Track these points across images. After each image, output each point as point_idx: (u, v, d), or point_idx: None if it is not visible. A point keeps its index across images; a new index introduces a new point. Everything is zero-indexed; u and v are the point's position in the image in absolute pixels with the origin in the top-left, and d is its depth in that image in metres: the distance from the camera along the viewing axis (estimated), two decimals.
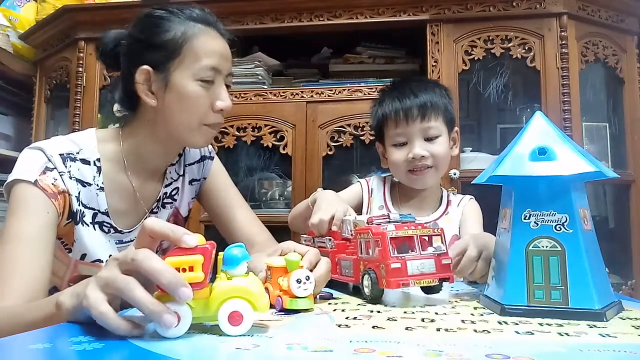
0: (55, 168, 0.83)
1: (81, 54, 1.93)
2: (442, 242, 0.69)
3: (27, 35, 2.11)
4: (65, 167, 0.84)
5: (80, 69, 1.92)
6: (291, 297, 0.61)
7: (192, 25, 0.87)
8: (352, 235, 0.76)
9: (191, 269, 0.47)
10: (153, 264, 0.46)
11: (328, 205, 0.87)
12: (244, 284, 0.48)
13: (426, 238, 0.69)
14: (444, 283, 0.68)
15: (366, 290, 0.68)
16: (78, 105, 1.91)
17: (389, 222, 0.71)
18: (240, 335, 0.47)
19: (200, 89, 0.86)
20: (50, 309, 0.58)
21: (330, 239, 0.80)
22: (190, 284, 0.46)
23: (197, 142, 0.92)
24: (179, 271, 0.47)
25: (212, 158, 1.09)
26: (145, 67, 0.86)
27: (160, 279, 0.45)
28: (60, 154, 0.84)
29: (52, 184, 0.81)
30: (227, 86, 0.92)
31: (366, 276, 0.68)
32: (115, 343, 0.44)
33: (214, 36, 0.89)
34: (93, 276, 0.50)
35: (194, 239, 0.49)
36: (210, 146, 1.11)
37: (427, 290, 0.70)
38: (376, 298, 0.67)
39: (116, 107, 1.78)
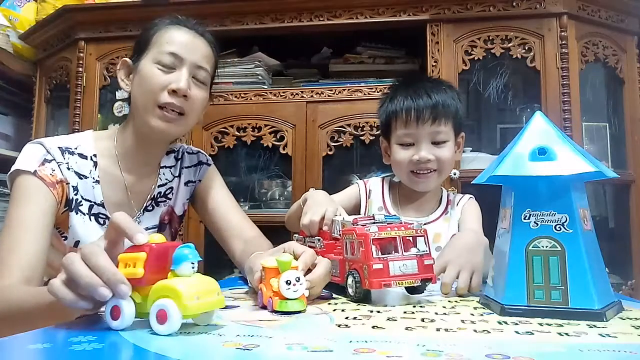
0: (53, 159, 0.89)
1: (81, 54, 1.93)
2: (425, 243, 0.70)
3: (27, 35, 2.10)
4: (64, 158, 0.90)
5: (80, 69, 1.92)
6: (281, 298, 0.60)
7: (167, 22, 0.95)
8: (340, 235, 0.77)
9: (134, 265, 0.49)
10: (96, 260, 0.49)
11: (318, 205, 0.87)
12: (174, 284, 0.49)
13: (410, 239, 0.70)
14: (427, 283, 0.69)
15: (350, 291, 0.69)
16: (78, 105, 1.91)
17: (374, 223, 0.71)
18: (241, 335, 0.47)
19: (158, 72, 0.91)
20: (48, 299, 0.58)
21: (319, 239, 0.81)
22: (131, 279, 0.49)
23: (152, 122, 0.91)
24: (126, 266, 0.50)
25: (209, 165, 1.13)
26: (125, 59, 0.98)
27: (101, 276, 0.48)
28: (59, 147, 0.91)
29: (50, 174, 0.88)
30: (199, 80, 0.95)
31: (350, 277, 0.69)
32: (115, 343, 0.44)
33: (185, 31, 0.95)
34: None
35: (145, 237, 0.51)
36: (207, 155, 1.15)
37: (410, 290, 0.71)
38: (360, 298, 0.68)
39: (116, 106, 1.82)
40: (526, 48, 1.70)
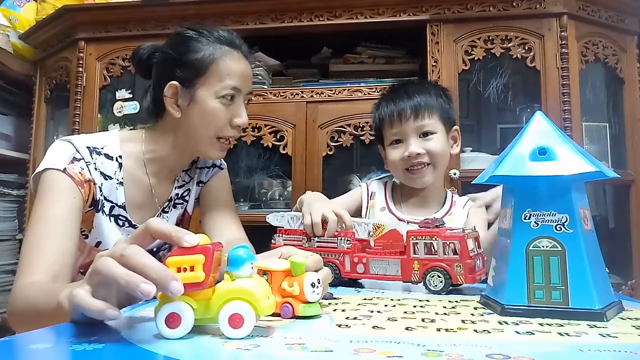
0: (82, 158, 0.90)
1: (81, 54, 1.93)
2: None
3: (27, 35, 2.10)
4: (92, 158, 0.91)
5: (80, 69, 1.92)
6: (303, 302, 0.56)
7: (219, 47, 0.94)
8: (370, 236, 0.84)
9: (192, 269, 0.46)
10: (142, 259, 0.46)
11: (320, 205, 0.91)
12: (246, 285, 0.47)
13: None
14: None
15: (434, 287, 0.76)
16: (78, 105, 1.91)
17: (438, 225, 0.81)
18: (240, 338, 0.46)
19: (221, 106, 0.94)
20: (56, 297, 0.58)
21: (348, 240, 0.84)
22: (190, 284, 0.45)
23: (212, 154, 0.98)
24: (179, 271, 0.46)
25: (221, 168, 1.15)
26: (174, 82, 0.94)
27: (150, 274, 0.44)
28: (87, 147, 0.91)
29: (79, 172, 0.88)
30: (247, 103, 0.99)
31: (435, 274, 0.77)
32: (115, 343, 0.44)
33: (238, 58, 0.96)
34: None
35: (196, 238, 0.48)
36: (222, 159, 1.15)
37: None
38: (446, 290, 0.76)
39: (116, 106, 1.84)
40: (526, 48, 1.70)
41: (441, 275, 0.76)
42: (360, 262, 0.82)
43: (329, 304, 0.67)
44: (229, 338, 0.46)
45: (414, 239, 0.79)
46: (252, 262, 0.49)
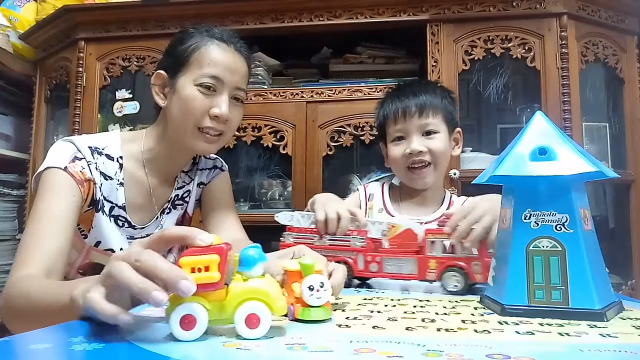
0: (83, 158, 0.90)
1: (81, 54, 1.92)
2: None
3: (27, 35, 2.10)
4: (93, 158, 0.92)
5: (80, 69, 1.92)
6: (304, 306, 0.54)
7: (207, 39, 0.94)
8: (384, 235, 0.84)
9: (207, 269, 0.46)
10: (155, 262, 0.46)
11: (334, 204, 0.90)
12: (261, 286, 0.47)
13: None
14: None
15: (452, 287, 0.76)
16: (78, 105, 1.90)
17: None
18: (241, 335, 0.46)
19: (198, 94, 0.92)
20: (65, 300, 0.58)
21: (362, 238, 0.83)
22: (205, 284, 0.45)
23: (198, 146, 0.96)
24: (194, 272, 0.45)
25: (222, 170, 1.15)
26: (161, 71, 0.97)
27: (160, 275, 0.44)
28: (89, 146, 0.92)
29: (80, 171, 0.89)
30: (237, 99, 0.97)
31: (453, 272, 0.77)
32: (115, 343, 0.44)
33: (225, 50, 0.94)
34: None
35: (210, 237, 0.48)
36: (223, 162, 1.16)
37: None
38: (465, 290, 0.76)
39: (116, 106, 1.85)
40: (526, 48, 1.69)
41: (459, 275, 0.76)
42: (373, 260, 0.81)
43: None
44: (245, 338, 0.46)
45: (431, 237, 0.79)
46: (264, 262, 0.49)
